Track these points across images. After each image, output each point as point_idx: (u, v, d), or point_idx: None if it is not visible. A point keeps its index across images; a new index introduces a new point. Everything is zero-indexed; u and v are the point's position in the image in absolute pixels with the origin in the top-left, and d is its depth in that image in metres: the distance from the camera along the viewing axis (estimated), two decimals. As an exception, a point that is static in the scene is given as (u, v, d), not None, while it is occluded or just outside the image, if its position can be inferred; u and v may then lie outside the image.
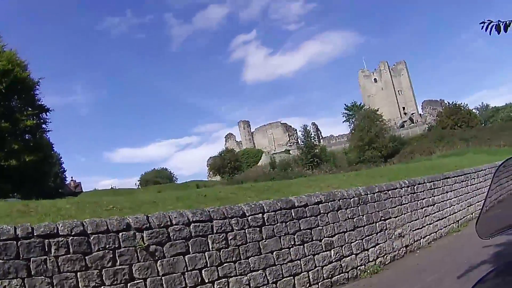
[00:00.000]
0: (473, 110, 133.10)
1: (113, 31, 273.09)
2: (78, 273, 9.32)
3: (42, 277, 8.85)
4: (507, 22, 8.45)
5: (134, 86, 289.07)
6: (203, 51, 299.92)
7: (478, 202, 24.41)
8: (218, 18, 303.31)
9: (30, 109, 47.14)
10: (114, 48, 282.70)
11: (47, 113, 50.26)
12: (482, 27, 8.55)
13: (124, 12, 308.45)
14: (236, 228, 12.59)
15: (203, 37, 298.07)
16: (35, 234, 8.90)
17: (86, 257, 9.49)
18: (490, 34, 8.50)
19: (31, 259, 8.76)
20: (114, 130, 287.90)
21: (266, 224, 13.39)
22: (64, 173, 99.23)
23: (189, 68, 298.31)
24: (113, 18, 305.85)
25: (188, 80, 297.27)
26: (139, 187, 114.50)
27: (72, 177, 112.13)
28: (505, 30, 8.47)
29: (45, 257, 8.94)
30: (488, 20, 8.53)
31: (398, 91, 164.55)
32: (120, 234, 10.14)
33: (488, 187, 3.89)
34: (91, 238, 9.64)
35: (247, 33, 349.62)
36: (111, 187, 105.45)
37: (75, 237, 9.36)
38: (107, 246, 9.85)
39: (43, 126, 50.65)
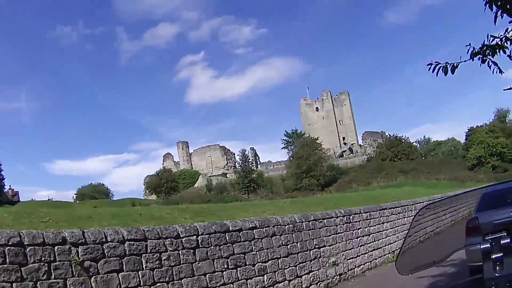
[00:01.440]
0: (414, 143, 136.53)
1: (63, 40, 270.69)
2: (14, 284, 9.48)
3: (-22, 286, 9.06)
4: (455, 64, 8.88)
5: (79, 98, 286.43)
6: (150, 68, 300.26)
7: (418, 234, 25.25)
8: (167, 36, 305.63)
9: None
10: (63, 58, 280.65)
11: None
12: (429, 68, 8.92)
13: (76, 21, 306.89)
14: (170, 249, 13.00)
15: (151, 54, 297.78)
16: None
17: (22, 268, 9.65)
18: (437, 75, 8.84)
19: None
20: (55, 141, 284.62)
21: (200, 246, 13.87)
22: (3, 181, 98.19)
23: (134, 84, 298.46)
24: (65, 27, 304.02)
25: (132, 96, 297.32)
26: (76, 200, 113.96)
27: (10, 186, 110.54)
28: (452, 72, 8.84)
29: None
30: (436, 62, 9.01)
31: (340, 121, 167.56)
32: (56, 247, 10.34)
33: (408, 228, 4.54)
34: (28, 250, 9.82)
35: (195, 53, 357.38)
36: (48, 199, 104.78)
37: (11, 248, 9.55)
38: (43, 259, 10.03)
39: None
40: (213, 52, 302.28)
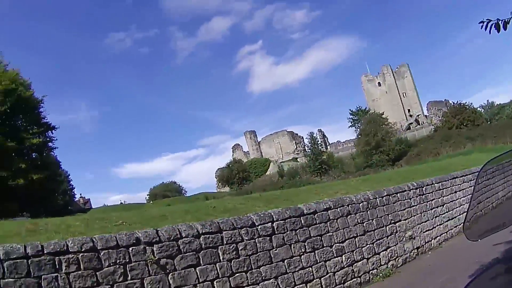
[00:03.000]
0: (478, 109, 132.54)
1: (118, 46, 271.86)
2: None
3: (54, 294, 8.82)
4: (506, 19, 8.35)
5: (139, 101, 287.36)
6: (209, 64, 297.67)
7: (487, 198, 24.32)
8: (222, 29, 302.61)
9: (35, 127, 47.15)
10: (119, 64, 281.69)
11: (53, 131, 50.30)
12: (482, 26, 8.42)
13: (128, 27, 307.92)
14: (246, 238, 12.60)
15: (208, 49, 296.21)
16: (45, 252, 8.90)
17: (97, 273, 9.48)
18: (490, 33, 8.37)
19: (42, 276, 8.75)
20: (121, 146, 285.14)
21: (276, 232, 13.41)
22: (73, 190, 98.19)
23: (194, 80, 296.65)
24: (118, 33, 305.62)
25: (193, 93, 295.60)
26: (149, 201, 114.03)
27: (81, 194, 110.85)
28: (505, 28, 8.36)
29: (56, 274, 8.92)
30: (487, 19, 8.44)
31: (402, 94, 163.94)
32: (130, 248, 10.16)
33: (472, 190, 3.91)
34: (101, 254, 9.64)
35: (253, 43, 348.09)
36: (120, 202, 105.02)
37: (85, 254, 9.37)
38: (118, 261, 9.84)
39: (49, 144, 50.61)
40: (269, 40, 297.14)
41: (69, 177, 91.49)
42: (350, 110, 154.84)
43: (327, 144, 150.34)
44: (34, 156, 49.15)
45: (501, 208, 4.89)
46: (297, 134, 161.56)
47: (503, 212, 4.71)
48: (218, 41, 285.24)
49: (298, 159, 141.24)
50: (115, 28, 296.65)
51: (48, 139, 50.10)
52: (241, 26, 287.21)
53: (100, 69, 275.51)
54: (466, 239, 3.59)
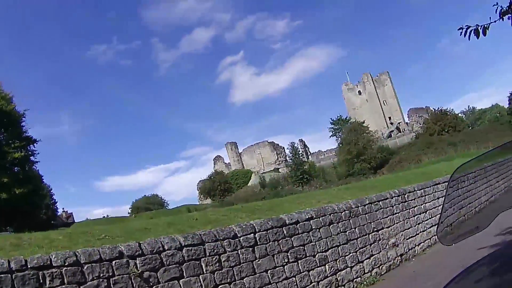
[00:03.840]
0: (460, 114, 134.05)
1: (100, 58, 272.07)
2: None
3: (38, 308, 8.87)
4: (486, 25, 8.46)
5: (121, 114, 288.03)
6: (190, 75, 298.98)
7: (470, 204, 24.57)
8: (204, 41, 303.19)
9: (17, 141, 46.96)
10: (101, 76, 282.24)
11: (34, 144, 50.25)
12: (461, 33, 8.53)
13: (110, 39, 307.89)
14: (229, 249, 12.66)
15: (189, 61, 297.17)
16: (29, 266, 8.89)
17: (81, 287, 9.47)
18: (469, 39, 8.48)
19: None
20: (103, 159, 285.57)
21: (259, 243, 13.48)
22: (56, 204, 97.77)
23: (176, 92, 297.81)
24: (100, 45, 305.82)
25: (175, 105, 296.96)
26: (132, 214, 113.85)
27: (63, 208, 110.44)
28: (484, 34, 8.46)
29: None
30: (466, 26, 8.55)
31: (383, 102, 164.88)
32: (114, 262, 10.14)
33: (444, 195, 4.08)
34: (85, 268, 9.62)
35: (234, 54, 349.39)
36: (103, 216, 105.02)
37: (68, 268, 9.35)
38: (101, 275, 9.82)
39: (31, 158, 50.49)
40: (251, 50, 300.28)
41: (52, 191, 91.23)
42: (331, 119, 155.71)
43: (309, 153, 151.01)
44: (16, 170, 48.94)
45: (474, 212, 5.10)
46: (278, 145, 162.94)
47: (476, 216, 4.92)
48: (200, 52, 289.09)
49: (279, 170, 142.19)
50: (97, 40, 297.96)
51: (30, 152, 49.97)
52: (222, 37, 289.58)
53: (83, 81, 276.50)
54: (440, 243, 3.75)
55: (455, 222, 4.01)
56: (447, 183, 4.27)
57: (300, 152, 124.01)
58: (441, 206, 4.13)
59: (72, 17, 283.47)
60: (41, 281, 9.00)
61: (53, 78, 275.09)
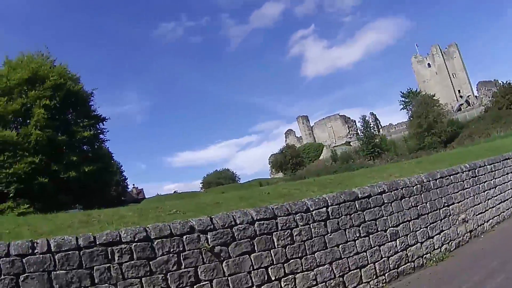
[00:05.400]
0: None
1: (168, 36, 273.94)
2: (143, 278, 9.10)
3: (106, 284, 8.66)
4: None
5: (190, 90, 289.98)
6: (261, 50, 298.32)
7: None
8: (274, 15, 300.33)
9: (86, 120, 46.86)
10: (169, 54, 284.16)
11: (103, 122, 49.96)
12: None
13: (179, 16, 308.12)
14: (301, 223, 12.12)
15: (260, 35, 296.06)
16: (97, 243, 8.69)
17: (150, 262, 9.24)
18: None
19: (94, 267, 8.52)
20: (173, 135, 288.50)
21: (331, 217, 12.89)
22: (126, 181, 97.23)
23: (246, 67, 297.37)
24: (168, 23, 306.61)
25: (245, 80, 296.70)
26: (203, 189, 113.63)
27: (134, 185, 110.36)
28: None
29: (108, 264, 8.70)
30: None
31: (452, 74, 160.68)
32: (184, 237, 9.85)
33: None
34: (155, 243, 9.39)
35: (305, 28, 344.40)
36: (174, 192, 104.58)
37: (138, 243, 9.14)
38: (171, 250, 9.57)
39: (101, 136, 50.38)
40: (321, 24, 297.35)
41: (122, 168, 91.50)
42: (401, 92, 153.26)
43: (380, 127, 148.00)
44: (85, 149, 49.07)
45: None
46: (349, 118, 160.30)
47: None
48: (270, 26, 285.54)
49: (351, 143, 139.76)
50: (165, 19, 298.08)
51: (99, 131, 49.93)
52: (292, 11, 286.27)
53: (152, 59, 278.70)
54: None
55: None
56: None
57: (371, 125, 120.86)
58: None
59: None
60: (110, 257, 8.82)
61: (121, 58, 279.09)
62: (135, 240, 9.08)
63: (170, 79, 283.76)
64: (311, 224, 12.29)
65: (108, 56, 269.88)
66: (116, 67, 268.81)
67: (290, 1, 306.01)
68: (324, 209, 12.78)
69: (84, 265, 8.34)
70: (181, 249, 9.68)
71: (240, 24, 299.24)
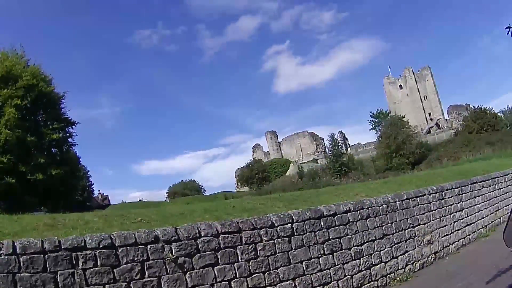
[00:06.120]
0: (499, 114, 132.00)
1: (144, 43, 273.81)
2: (106, 285, 9.21)
3: (70, 290, 8.77)
4: None
5: (162, 98, 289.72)
6: (235, 63, 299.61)
7: (506, 206, 24.01)
8: (249, 29, 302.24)
9: (56, 123, 46.91)
10: (144, 61, 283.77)
11: (73, 126, 50.09)
12: (508, 32, 8.27)
13: (155, 24, 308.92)
14: (265, 238, 12.38)
15: (235, 48, 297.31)
16: (62, 247, 8.80)
17: (114, 270, 9.36)
18: None
19: (59, 272, 8.63)
20: (142, 143, 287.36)
21: (295, 234, 13.20)
22: (92, 186, 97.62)
23: (219, 80, 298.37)
24: (144, 30, 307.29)
25: (218, 92, 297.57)
26: (167, 199, 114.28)
27: (99, 190, 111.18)
28: None
29: (72, 270, 8.81)
30: None
31: (424, 97, 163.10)
32: (149, 246, 10.03)
33: None
34: (119, 251, 9.53)
35: (279, 43, 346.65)
36: (139, 200, 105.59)
37: (103, 250, 9.26)
38: (135, 259, 9.72)
39: (69, 139, 50.47)
40: (296, 40, 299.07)
41: (89, 173, 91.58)
42: (371, 112, 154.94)
43: (348, 146, 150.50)
44: (54, 152, 49.08)
45: None
46: (317, 135, 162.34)
47: None
48: (245, 40, 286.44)
49: (318, 161, 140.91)
50: (142, 25, 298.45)
51: (68, 134, 49.98)
52: (268, 26, 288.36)
53: (126, 65, 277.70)
54: (506, 246, 3.41)
55: None
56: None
57: (339, 144, 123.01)
58: (510, 210, 3.70)
59: (116, 1, 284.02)
60: (74, 262, 8.91)
61: (96, 62, 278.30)
62: (100, 246, 9.23)
63: (143, 86, 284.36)
64: (276, 240, 12.57)
65: (82, 59, 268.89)
66: (90, 70, 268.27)
67: (267, 16, 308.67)
68: (289, 225, 13.08)
69: (48, 269, 8.46)
70: (145, 258, 9.85)
71: (216, 36, 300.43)
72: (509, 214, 3.80)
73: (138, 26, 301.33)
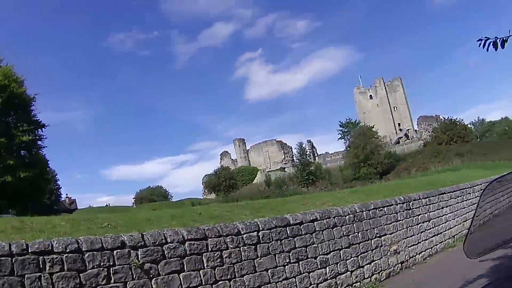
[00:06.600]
0: (469, 125, 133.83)
1: (118, 47, 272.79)
2: None
3: (37, 293, 8.84)
4: (505, 38, 8.46)
5: (135, 103, 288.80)
6: (208, 69, 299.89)
7: (484, 211, 24.48)
8: (223, 36, 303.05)
9: (26, 125, 46.85)
10: (118, 64, 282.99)
11: (43, 129, 50.04)
12: (480, 44, 8.54)
13: (129, 28, 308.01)
14: (231, 246, 12.59)
15: (208, 54, 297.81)
16: (30, 251, 8.88)
17: (80, 274, 9.44)
18: (487, 50, 8.45)
19: (26, 275, 8.72)
20: (111, 147, 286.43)
21: (261, 242, 13.41)
22: (59, 190, 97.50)
23: (192, 85, 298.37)
24: (118, 34, 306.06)
25: (189, 98, 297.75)
26: (134, 205, 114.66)
27: (67, 194, 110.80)
28: (502, 46, 8.45)
29: (39, 274, 8.89)
30: (485, 37, 8.54)
31: (394, 108, 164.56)
32: (115, 252, 10.12)
33: (475, 207, 3.98)
34: (86, 256, 9.61)
35: (252, 51, 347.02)
36: (106, 205, 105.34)
37: (69, 254, 9.33)
38: (102, 264, 9.81)
39: (39, 142, 50.36)
40: (269, 48, 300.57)
41: (57, 176, 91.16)
42: (340, 121, 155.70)
43: (316, 155, 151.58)
44: (23, 154, 48.94)
45: (497, 223, 4.95)
46: (286, 144, 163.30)
47: (502, 227, 4.78)
48: (218, 46, 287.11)
49: (286, 169, 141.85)
50: (116, 28, 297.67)
51: (38, 137, 49.89)
52: (242, 33, 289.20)
53: (99, 68, 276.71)
54: (466, 257, 3.69)
55: (482, 235, 3.91)
56: (480, 195, 4.10)
57: (307, 153, 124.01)
58: (471, 218, 4.03)
59: (90, 3, 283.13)
60: (41, 266, 8.98)
61: (69, 64, 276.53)
62: (67, 251, 9.32)
63: (116, 90, 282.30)
64: (242, 247, 12.79)
65: (55, 61, 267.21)
66: (63, 72, 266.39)
67: (241, 23, 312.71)
68: (255, 233, 13.32)
69: (16, 272, 8.57)
70: (111, 263, 9.96)
71: (189, 41, 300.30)
72: (470, 222, 4.13)
73: (112, 29, 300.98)
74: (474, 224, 3.89)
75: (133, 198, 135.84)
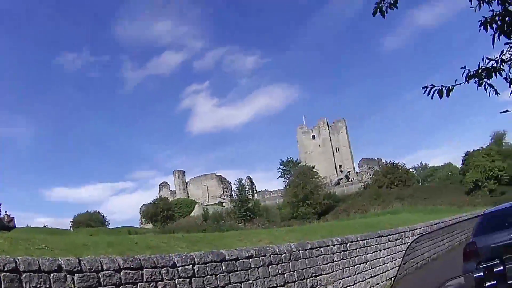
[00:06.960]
0: (411, 170, 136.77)
1: (68, 66, 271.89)
2: None
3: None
4: (450, 86, 8.89)
5: (79, 124, 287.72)
6: (154, 97, 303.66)
7: (412, 259, 25.21)
8: (172, 65, 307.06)
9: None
10: (67, 85, 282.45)
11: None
12: (425, 91, 8.90)
13: (80, 48, 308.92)
14: (166, 278, 12.86)
15: (155, 83, 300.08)
16: None
17: None
18: (432, 98, 8.86)
19: None
20: (53, 168, 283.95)
21: (196, 275, 13.74)
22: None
23: (137, 112, 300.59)
24: (69, 53, 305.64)
25: (134, 125, 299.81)
26: (71, 228, 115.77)
27: (6, 211, 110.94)
28: (447, 95, 8.81)
29: None
30: (431, 85, 8.98)
31: (336, 149, 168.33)
32: (52, 274, 10.21)
33: (403, 256, 4.55)
34: (23, 276, 9.67)
35: (200, 82, 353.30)
36: (44, 226, 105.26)
37: (7, 274, 9.41)
38: (39, 286, 9.88)
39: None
40: (216, 81, 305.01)
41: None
42: (280, 160, 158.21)
43: (255, 191, 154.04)
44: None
45: (425, 271, 5.57)
46: (225, 179, 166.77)
47: (428, 275, 5.39)
48: (166, 75, 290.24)
49: (224, 204, 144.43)
50: (68, 48, 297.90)
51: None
52: (191, 64, 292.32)
53: (47, 86, 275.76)
54: None
55: (409, 282, 4.43)
56: (408, 245, 4.76)
57: (246, 189, 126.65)
58: (399, 266, 4.62)
59: (43, 20, 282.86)
60: None
61: (18, 80, 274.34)
62: (5, 269, 9.37)
63: (63, 110, 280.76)
64: (176, 280, 13.08)
65: (2, 74, 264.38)
66: (8, 89, 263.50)
67: (191, 54, 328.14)
68: (191, 266, 13.65)
69: None
70: (47, 286, 10.04)
71: (138, 68, 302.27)
72: (397, 269, 4.73)
73: (63, 48, 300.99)
74: (401, 271, 4.45)
75: (70, 222, 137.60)
